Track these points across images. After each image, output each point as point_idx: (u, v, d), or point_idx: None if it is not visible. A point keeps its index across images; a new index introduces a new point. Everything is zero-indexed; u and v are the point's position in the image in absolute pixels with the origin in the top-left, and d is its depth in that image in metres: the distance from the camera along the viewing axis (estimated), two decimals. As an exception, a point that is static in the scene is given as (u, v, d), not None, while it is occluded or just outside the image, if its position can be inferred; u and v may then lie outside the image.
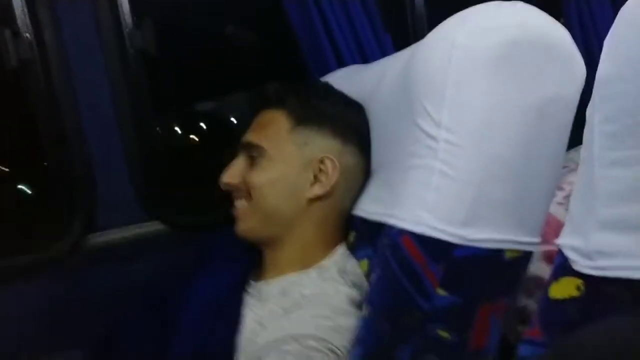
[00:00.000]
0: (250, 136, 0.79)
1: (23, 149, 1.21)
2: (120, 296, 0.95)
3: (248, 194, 0.77)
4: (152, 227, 1.08)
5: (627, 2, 0.43)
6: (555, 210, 0.81)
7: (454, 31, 0.59)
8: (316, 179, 0.76)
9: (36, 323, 1.02)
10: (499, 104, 0.57)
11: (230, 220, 0.80)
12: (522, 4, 0.59)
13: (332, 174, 0.76)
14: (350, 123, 0.79)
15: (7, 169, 1.39)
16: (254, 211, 0.77)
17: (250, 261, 0.81)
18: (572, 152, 1.34)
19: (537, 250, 0.61)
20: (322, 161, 0.76)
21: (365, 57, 1.14)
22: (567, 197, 1.11)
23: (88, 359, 0.84)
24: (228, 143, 1.42)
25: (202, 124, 1.39)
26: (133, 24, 1.04)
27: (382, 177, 0.74)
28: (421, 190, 0.59)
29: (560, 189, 1.10)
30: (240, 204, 0.79)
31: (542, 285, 0.97)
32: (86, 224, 1.04)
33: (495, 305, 0.59)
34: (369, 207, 0.75)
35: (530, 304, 0.84)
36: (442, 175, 0.58)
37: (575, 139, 0.60)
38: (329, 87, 0.84)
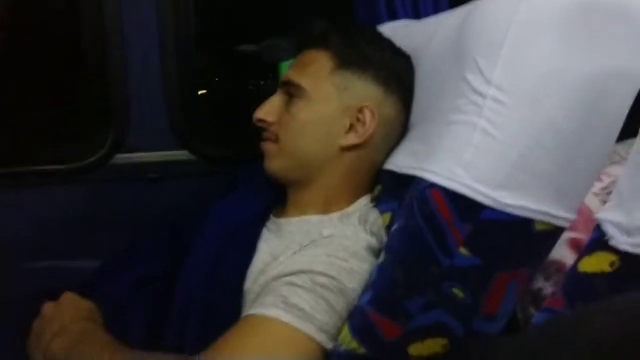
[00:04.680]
0: (290, 74, 0.77)
1: (68, 68, 1.22)
2: (140, 215, 0.96)
3: (277, 134, 0.76)
4: (180, 155, 1.08)
5: None
6: (589, 200, 0.78)
7: None
8: (352, 127, 0.74)
9: (56, 228, 1.05)
10: (559, 69, 0.54)
11: (257, 156, 0.80)
12: None
13: (369, 125, 0.73)
14: (396, 72, 0.76)
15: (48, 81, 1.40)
16: (283, 151, 0.76)
17: (273, 197, 0.80)
18: (618, 145, 1.27)
19: (565, 233, 0.59)
20: (360, 110, 0.73)
21: (418, 14, 1.10)
22: (604, 188, 1.07)
23: (100, 271, 0.86)
24: (266, 85, 1.42)
25: (243, 64, 1.38)
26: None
27: (420, 131, 0.72)
28: (460, 146, 0.57)
29: (599, 180, 1.05)
30: (270, 142, 0.77)
31: (561, 270, 0.95)
32: (116, 143, 1.05)
33: (514, 274, 0.58)
34: (400, 161, 0.73)
35: (547, 287, 0.82)
36: (484, 134, 0.56)
37: (624, 132, 0.57)
38: (377, 33, 0.81)
